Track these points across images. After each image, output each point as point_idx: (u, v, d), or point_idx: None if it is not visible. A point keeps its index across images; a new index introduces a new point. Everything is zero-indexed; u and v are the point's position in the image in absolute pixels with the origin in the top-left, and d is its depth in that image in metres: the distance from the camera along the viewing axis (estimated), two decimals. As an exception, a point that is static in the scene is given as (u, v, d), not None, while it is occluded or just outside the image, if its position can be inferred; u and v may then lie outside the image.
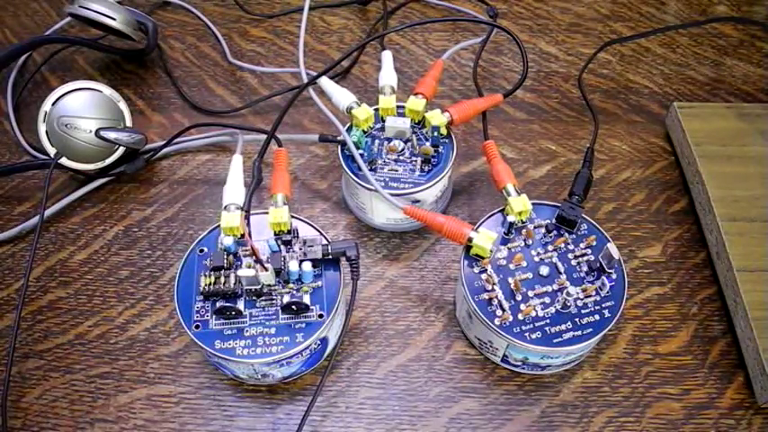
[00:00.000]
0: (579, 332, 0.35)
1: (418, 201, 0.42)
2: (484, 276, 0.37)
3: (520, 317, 0.36)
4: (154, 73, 0.55)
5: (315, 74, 0.45)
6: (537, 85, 0.54)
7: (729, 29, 0.57)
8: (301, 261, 0.36)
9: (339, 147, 0.43)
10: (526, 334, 0.35)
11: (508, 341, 0.36)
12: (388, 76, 0.45)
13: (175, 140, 0.48)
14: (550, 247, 0.38)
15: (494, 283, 0.37)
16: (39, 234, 0.42)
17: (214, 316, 0.36)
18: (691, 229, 0.45)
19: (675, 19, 0.58)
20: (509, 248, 0.38)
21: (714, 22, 0.57)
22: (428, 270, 0.44)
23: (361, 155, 0.41)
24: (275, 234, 0.38)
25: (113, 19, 0.50)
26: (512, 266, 0.38)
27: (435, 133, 0.42)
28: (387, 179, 0.41)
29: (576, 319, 0.36)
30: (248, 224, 0.37)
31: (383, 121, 0.43)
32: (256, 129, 0.46)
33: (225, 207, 0.38)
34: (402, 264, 0.44)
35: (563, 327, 0.36)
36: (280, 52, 0.56)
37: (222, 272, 0.37)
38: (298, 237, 0.38)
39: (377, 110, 0.44)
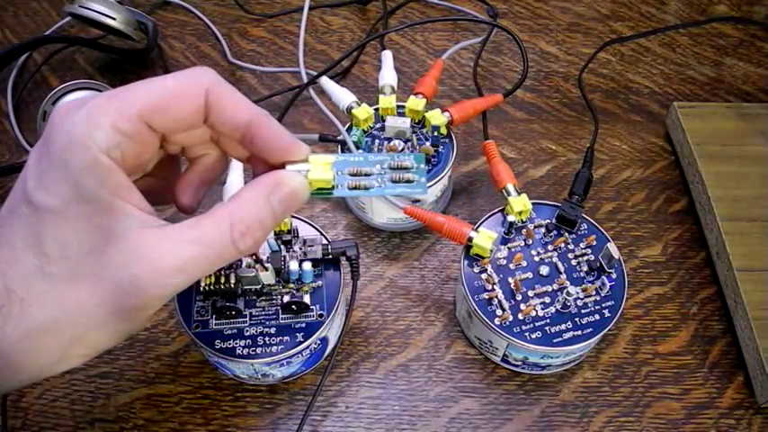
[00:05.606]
0: (579, 332, 0.35)
1: (418, 201, 0.41)
2: (484, 276, 0.37)
3: (520, 317, 0.36)
4: (154, 73, 0.55)
5: (315, 73, 0.45)
6: (537, 84, 0.54)
7: (729, 29, 0.57)
8: (301, 261, 0.36)
9: (339, 146, 0.43)
10: (526, 334, 0.35)
11: (508, 341, 0.36)
12: (388, 75, 0.45)
13: (175, 140, 0.48)
14: (550, 247, 0.38)
15: (494, 283, 0.37)
16: (39, 234, 0.42)
17: (214, 316, 0.36)
18: (691, 228, 0.45)
19: (675, 19, 0.58)
20: (509, 248, 0.38)
21: (714, 22, 0.57)
22: (428, 270, 0.44)
23: (361, 155, 0.41)
24: (275, 234, 0.38)
25: (113, 19, 0.50)
26: (512, 266, 0.38)
27: (435, 133, 0.42)
28: (387, 179, 0.41)
29: (576, 319, 0.36)
30: (248, 224, 0.37)
31: (383, 121, 0.43)
32: (256, 128, 0.46)
33: (225, 207, 0.38)
34: (402, 264, 0.44)
35: (563, 326, 0.36)
36: (280, 52, 0.56)
37: (222, 271, 0.36)
38: (298, 236, 0.38)
39: (377, 110, 0.44)
